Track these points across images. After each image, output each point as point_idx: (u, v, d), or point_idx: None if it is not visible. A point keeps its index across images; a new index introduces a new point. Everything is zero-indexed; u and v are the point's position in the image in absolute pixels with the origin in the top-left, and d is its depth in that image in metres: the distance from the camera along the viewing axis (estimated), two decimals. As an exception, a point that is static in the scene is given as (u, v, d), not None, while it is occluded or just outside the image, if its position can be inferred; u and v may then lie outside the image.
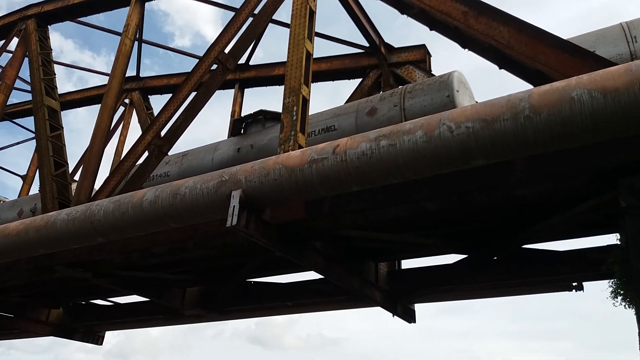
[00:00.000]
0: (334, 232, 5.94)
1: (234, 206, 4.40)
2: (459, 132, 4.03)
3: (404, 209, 5.21)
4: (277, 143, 5.85)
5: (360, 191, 4.64)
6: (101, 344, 11.94)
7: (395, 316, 7.78)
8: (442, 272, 7.30)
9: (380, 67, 8.17)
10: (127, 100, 11.66)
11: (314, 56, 5.95)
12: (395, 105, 6.20)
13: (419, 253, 7.33)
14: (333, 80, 8.99)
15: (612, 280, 5.49)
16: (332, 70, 8.86)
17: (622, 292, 4.49)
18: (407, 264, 8.02)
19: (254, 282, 8.44)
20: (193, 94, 7.19)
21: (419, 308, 8.24)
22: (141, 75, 11.51)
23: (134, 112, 11.35)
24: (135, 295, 8.98)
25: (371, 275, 7.30)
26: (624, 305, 4.33)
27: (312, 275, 7.51)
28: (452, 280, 7.24)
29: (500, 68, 4.97)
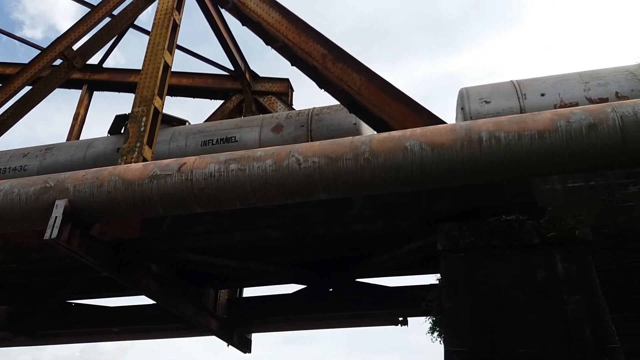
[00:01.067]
0: (172, 255, 5.64)
1: (55, 217, 3.94)
2: (306, 166, 4.16)
3: (249, 235, 5.18)
4: (166, 147, 5.37)
5: (204, 213, 4.49)
6: None
7: (230, 346, 7.59)
8: (281, 301, 7.36)
9: (243, 93, 8.20)
10: None
11: (176, 70, 5.74)
12: (302, 126, 6.26)
13: (261, 281, 7.32)
14: (194, 97, 8.78)
15: (430, 317, 5.97)
16: (194, 87, 8.65)
17: (437, 328, 4.90)
18: (249, 292, 7.95)
19: (75, 303, 7.61)
20: (28, 87, 6.43)
21: (263, 337, 8.17)
22: None
23: None
24: None
25: (210, 302, 7.07)
26: (439, 341, 4.73)
27: (145, 299, 7.02)
28: (290, 310, 7.32)
29: (350, 112, 5.28)
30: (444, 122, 4.52)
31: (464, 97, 6.15)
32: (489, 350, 3.74)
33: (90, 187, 4.02)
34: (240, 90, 8.32)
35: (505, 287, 3.99)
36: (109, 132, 7.36)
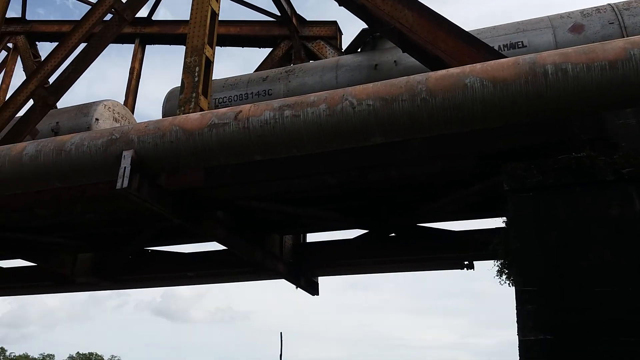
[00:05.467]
0: (235, 202, 5.84)
1: (125, 167, 4.14)
2: (361, 109, 4.09)
3: (306, 182, 5.23)
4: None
5: (262, 161, 4.56)
6: (-19, 311, 10.98)
7: (298, 288, 7.88)
8: (343, 246, 7.48)
9: (291, 39, 8.04)
10: (10, 45, 10.49)
11: (223, 19, 5.69)
12: (611, 23, 5.30)
13: (322, 227, 7.45)
14: (242, 46, 8.72)
15: (497, 260, 5.87)
16: (242, 35, 8.56)
17: (505, 271, 4.84)
18: (313, 237, 8.13)
19: (151, 250, 8.13)
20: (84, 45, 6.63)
21: (328, 283, 8.42)
22: (29, 18, 10.40)
23: (19, 58, 10.26)
24: (20, 259, 8.33)
25: (275, 247, 7.31)
26: (508, 284, 4.69)
27: (217, 246, 7.36)
28: (353, 254, 7.45)
29: (403, 51, 5.06)
30: (504, 57, 4.24)
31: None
32: (561, 288, 3.66)
33: (154, 137, 4.18)
34: (287, 36, 8.13)
35: (575, 225, 3.84)
36: (345, 51, 6.83)
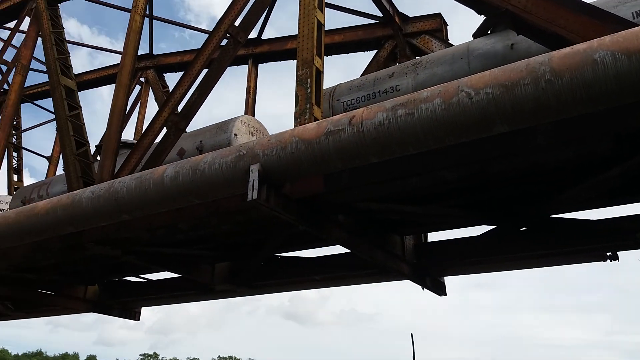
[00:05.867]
0: (355, 205, 5.92)
1: (253, 180, 4.42)
2: (479, 99, 3.93)
3: (425, 179, 5.15)
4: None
5: (379, 162, 4.58)
6: (138, 320, 12.35)
7: (424, 289, 7.75)
8: (470, 244, 7.20)
9: (395, 38, 7.99)
10: (142, 79, 11.78)
11: (327, 28, 5.81)
12: None
13: (444, 225, 7.27)
14: (347, 53, 8.85)
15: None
16: (346, 42, 8.71)
17: (658, 260, 4.35)
18: (434, 236, 7.96)
19: (280, 256, 8.54)
20: (205, 70, 7.19)
21: (451, 282, 8.17)
22: (155, 53, 11.58)
23: (150, 90, 11.47)
24: (166, 272, 9.22)
25: (397, 248, 7.27)
26: None
27: (340, 249, 7.51)
28: (480, 252, 7.14)
29: (518, 34, 4.78)
30: (636, 25, 3.82)
31: None
32: None
33: (276, 150, 4.41)
34: (391, 36, 8.09)
35: None
36: (473, 36, 6.38)
